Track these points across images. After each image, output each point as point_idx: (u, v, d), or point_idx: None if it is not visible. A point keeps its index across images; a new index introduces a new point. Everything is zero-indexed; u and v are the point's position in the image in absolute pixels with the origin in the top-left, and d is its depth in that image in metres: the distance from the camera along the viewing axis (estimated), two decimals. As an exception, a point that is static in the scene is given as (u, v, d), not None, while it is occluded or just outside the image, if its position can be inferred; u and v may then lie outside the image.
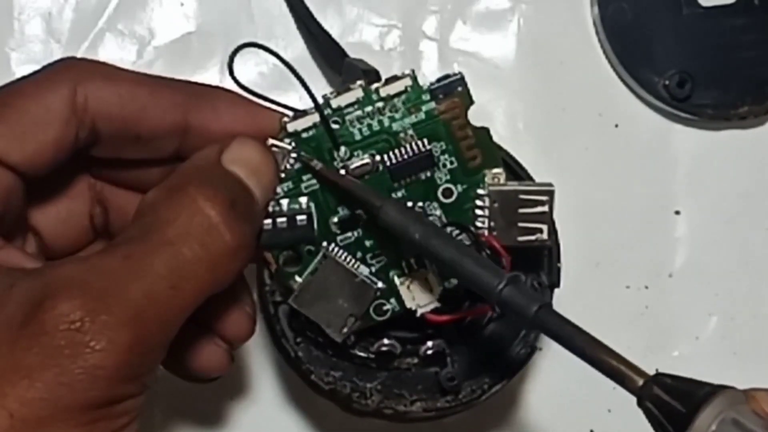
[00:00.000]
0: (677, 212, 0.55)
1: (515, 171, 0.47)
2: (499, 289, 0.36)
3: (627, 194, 0.54)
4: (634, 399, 0.34)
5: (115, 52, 0.53)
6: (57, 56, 0.52)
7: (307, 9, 0.53)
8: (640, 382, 0.33)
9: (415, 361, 0.47)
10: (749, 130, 0.55)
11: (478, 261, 0.37)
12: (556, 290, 0.47)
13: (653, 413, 0.33)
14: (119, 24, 0.53)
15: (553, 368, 0.53)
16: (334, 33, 0.53)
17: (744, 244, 0.55)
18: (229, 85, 0.40)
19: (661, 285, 0.54)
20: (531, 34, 0.54)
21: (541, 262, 0.47)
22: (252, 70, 0.52)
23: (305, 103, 0.40)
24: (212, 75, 0.53)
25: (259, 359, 0.52)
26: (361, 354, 0.47)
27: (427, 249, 0.38)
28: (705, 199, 0.55)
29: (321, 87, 0.52)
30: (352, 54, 0.51)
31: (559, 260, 0.47)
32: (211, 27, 0.53)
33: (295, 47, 0.53)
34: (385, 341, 0.46)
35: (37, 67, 0.40)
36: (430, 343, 0.47)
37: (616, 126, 0.55)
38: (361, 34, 0.54)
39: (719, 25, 0.54)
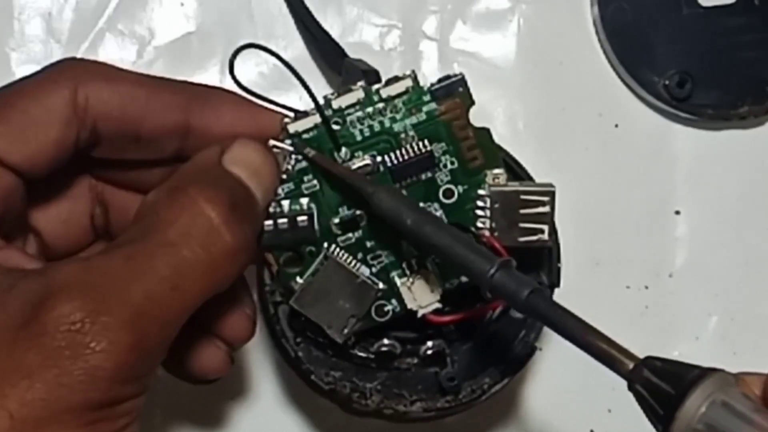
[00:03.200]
0: (677, 212, 0.55)
1: (515, 171, 0.47)
2: (491, 274, 0.36)
3: (627, 194, 0.54)
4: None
5: (115, 52, 0.53)
6: (57, 56, 0.52)
7: (306, 9, 0.53)
8: (630, 365, 0.33)
9: (415, 361, 0.47)
10: (749, 130, 0.55)
11: (470, 246, 0.37)
12: (556, 290, 0.47)
13: (643, 396, 0.33)
14: (119, 24, 0.53)
15: (553, 368, 0.53)
16: (334, 33, 0.53)
17: (744, 244, 0.55)
18: (229, 85, 0.40)
19: (661, 285, 0.54)
20: (531, 34, 0.54)
21: (541, 262, 0.47)
22: (252, 70, 0.52)
23: (305, 104, 0.40)
24: (212, 75, 0.53)
25: (259, 359, 0.52)
26: (361, 354, 0.47)
27: (419, 235, 0.38)
28: (705, 199, 0.55)
29: (321, 87, 0.52)
30: (352, 54, 0.51)
31: (559, 260, 0.47)
32: (211, 27, 0.53)
33: (295, 47, 0.53)
34: (385, 341, 0.46)
35: (37, 67, 0.40)
36: (430, 343, 0.47)
37: (616, 126, 0.55)
38: (361, 34, 0.54)
39: (719, 25, 0.54)
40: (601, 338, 0.34)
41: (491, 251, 0.41)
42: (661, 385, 0.32)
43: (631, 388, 0.33)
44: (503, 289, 0.36)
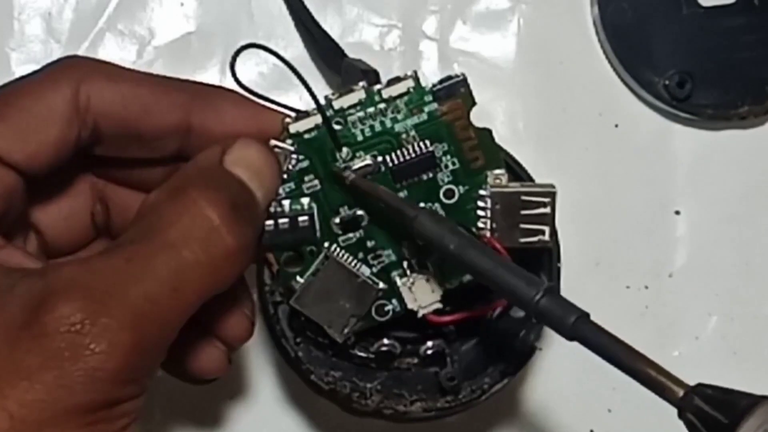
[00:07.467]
0: (677, 212, 0.55)
1: (515, 171, 0.47)
2: (536, 300, 0.36)
3: (627, 194, 0.54)
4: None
5: (115, 52, 0.53)
6: (57, 56, 0.51)
7: (305, 9, 0.53)
8: (681, 393, 0.32)
9: (415, 361, 0.47)
10: (749, 130, 0.55)
11: (513, 271, 0.37)
12: (556, 290, 0.47)
13: (695, 425, 0.32)
14: (119, 24, 0.53)
15: (553, 368, 0.53)
16: (334, 33, 0.53)
17: (744, 244, 0.55)
18: (229, 85, 0.40)
19: (661, 285, 0.54)
20: (531, 34, 0.54)
21: (541, 262, 0.47)
22: (252, 70, 0.52)
23: (305, 103, 0.40)
24: (212, 75, 0.53)
25: (259, 359, 0.52)
26: (361, 354, 0.47)
27: (462, 259, 0.37)
28: (705, 199, 0.55)
29: (320, 87, 0.52)
30: (352, 54, 0.51)
31: (559, 260, 0.47)
32: (211, 27, 0.53)
33: (295, 47, 0.53)
34: (385, 341, 0.46)
35: (37, 67, 0.40)
36: (430, 343, 0.47)
37: (616, 126, 0.55)
38: (361, 34, 0.54)
39: (719, 25, 0.54)
40: (649, 365, 0.33)
41: (493, 251, 0.41)
42: (712, 414, 0.31)
43: (681, 416, 0.33)
44: (549, 315, 0.35)
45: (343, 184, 0.41)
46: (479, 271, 0.37)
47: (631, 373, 0.34)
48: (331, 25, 0.53)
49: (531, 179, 0.47)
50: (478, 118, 0.41)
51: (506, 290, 0.37)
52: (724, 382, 0.32)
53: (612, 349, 0.35)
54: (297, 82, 0.39)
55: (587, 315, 0.35)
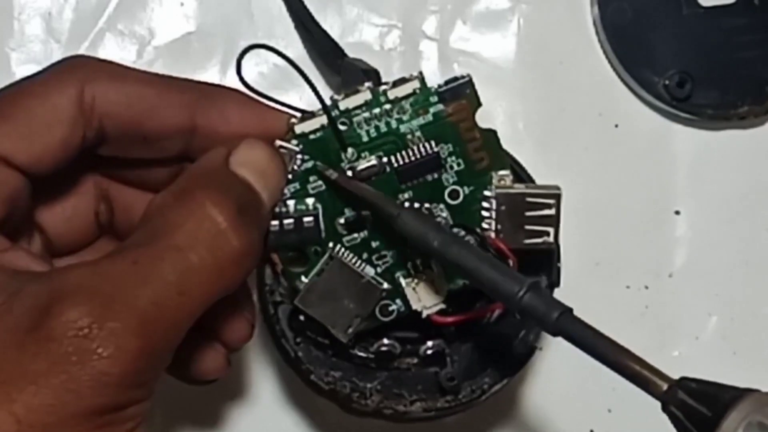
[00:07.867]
0: (677, 212, 0.55)
1: (516, 171, 0.47)
2: (520, 296, 0.36)
3: (627, 194, 0.54)
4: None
5: (115, 52, 0.53)
6: (57, 56, 0.52)
7: (305, 9, 0.53)
8: (665, 386, 0.33)
9: (415, 361, 0.47)
10: (749, 130, 0.55)
11: (497, 268, 0.37)
12: (556, 290, 0.47)
13: (678, 418, 0.32)
14: (119, 24, 0.53)
15: (553, 368, 0.53)
16: (334, 33, 0.52)
17: (744, 244, 0.55)
18: (229, 85, 0.40)
19: (661, 285, 0.54)
20: (531, 34, 0.54)
21: (541, 262, 0.46)
22: (252, 70, 0.52)
23: (306, 103, 0.40)
24: (212, 75, 0.53)
25: (259, 359, 0.52)
26: (361, 354, 0.47)
27: (445, 257, 0.38)
28: (705, 199, 0.55)
29: (320, 87, 0.51)
30: (352, 54, 0.51)
31: (559, 260, 0.47)
32: (211, 27, 0.53)
33: (296, 47, 0.53)
34: (385, 341, 0.46)
35: (37, 67, 0.40)
36: (430, 343, 0.47)
37: (616, 126, 0.55)
38: (361, 34, 0.54)
39: (719, 25, 0.54)
40: (633, 359, 0.34)
41: (497, 253, 0.41)
42: (696, 407, 0.32)
43: (665, 409, 0.33)
44: (533, 310, 0.36)
45: (332, 183, 0.40)
46: (463, 267, 0.38)
47: (616, 368, 0.34)
48: (331, 25, 0.53)
49: (531, 179, 0.47)
50: (478, 118, 0.41)
51: (490, 286, 0.37)
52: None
53: (596, 343, 0.35)
54: (297, 82, 0.39)
55: (570, 310, 0.36)
